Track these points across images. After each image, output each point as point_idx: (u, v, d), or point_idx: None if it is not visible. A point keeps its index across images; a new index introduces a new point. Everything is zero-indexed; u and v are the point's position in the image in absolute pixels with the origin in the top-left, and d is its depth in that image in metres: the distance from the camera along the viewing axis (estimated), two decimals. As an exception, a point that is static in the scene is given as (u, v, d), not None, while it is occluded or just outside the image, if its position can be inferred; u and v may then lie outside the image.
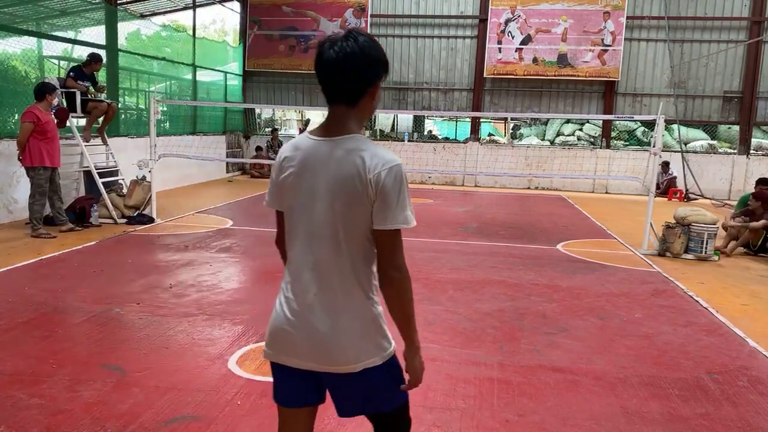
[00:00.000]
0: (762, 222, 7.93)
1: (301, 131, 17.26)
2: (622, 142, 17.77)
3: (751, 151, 15.57)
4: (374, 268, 1.90)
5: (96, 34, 11.28)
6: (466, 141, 16.73)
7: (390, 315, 1.88)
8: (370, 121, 18.71)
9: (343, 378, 1.87)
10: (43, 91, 7.67)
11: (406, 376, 1.96)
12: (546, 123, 19.45)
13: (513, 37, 15.63)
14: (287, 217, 1.93)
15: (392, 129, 18.96)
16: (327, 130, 1.87)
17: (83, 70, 9.00)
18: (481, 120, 17.85)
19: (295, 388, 1.94)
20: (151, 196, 8.97)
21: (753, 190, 8.94)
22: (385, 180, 1.76)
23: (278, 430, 2.02)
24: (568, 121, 18.61)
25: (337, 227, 1.82)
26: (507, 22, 15.63)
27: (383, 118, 19.71)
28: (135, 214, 8.80)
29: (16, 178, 8.44)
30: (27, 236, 7.52)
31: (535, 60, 15.64)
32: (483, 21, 15.84)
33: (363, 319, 1.87)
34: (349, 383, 1.89)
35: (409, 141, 16.78)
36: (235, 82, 17.07)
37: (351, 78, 1.80)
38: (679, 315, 5.34)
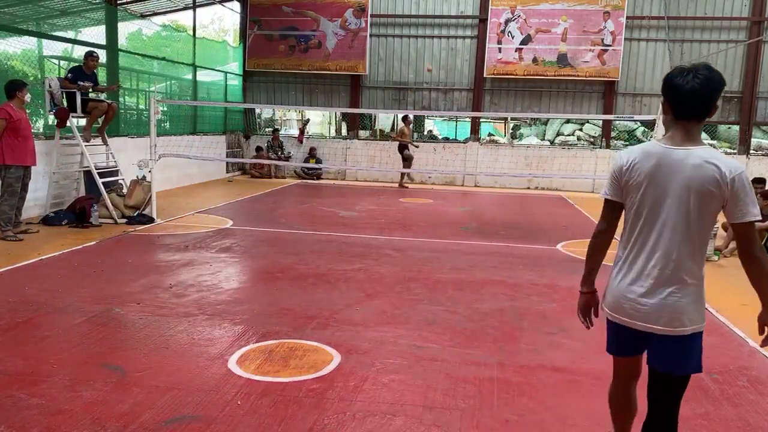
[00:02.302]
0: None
1: (301, 131, 17.29)
2: (622, 142, 17.76)
3: (751, 151, 15.57)
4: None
5: (96, 34, 11.27)
6: (466, 141, 16.72)
7: (754, 287, 2.38)
8: (371, 120, 18.73)
9: (674, 339, 2.34)
10: (12, 88, 7.46)
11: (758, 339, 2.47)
12: (546, 123, 19.46)
13: (513, 37, 15.63)
14: (634, 211, 2.39)
15: (392, 129, 18.92)
16: (681, 140, 2.32)
17: (83, 70, 9.03)
18: (481, 120, 17.83)
19: (627, 343, 2.52)
20: (151, 196, 8.97)
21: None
22: (738, 183, 2.25)
23: (613, 372, 2.70)
24: (568, 121, 18.61)
25: (689, 218, 2.29)
26: (507, 22, 15.62)
27: (383, 118, 19.68)
28: (135, 214, 8.80)
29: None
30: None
31: (535, 60, 15.63)
32: (483, 21, 15.83)
33: (698, 292, 2.36)
34: (677, 344, 2.34)
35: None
36: (235, 82, 17.06)
37: (711, 99, 2.31)
38: (679, 315, 5.33)
